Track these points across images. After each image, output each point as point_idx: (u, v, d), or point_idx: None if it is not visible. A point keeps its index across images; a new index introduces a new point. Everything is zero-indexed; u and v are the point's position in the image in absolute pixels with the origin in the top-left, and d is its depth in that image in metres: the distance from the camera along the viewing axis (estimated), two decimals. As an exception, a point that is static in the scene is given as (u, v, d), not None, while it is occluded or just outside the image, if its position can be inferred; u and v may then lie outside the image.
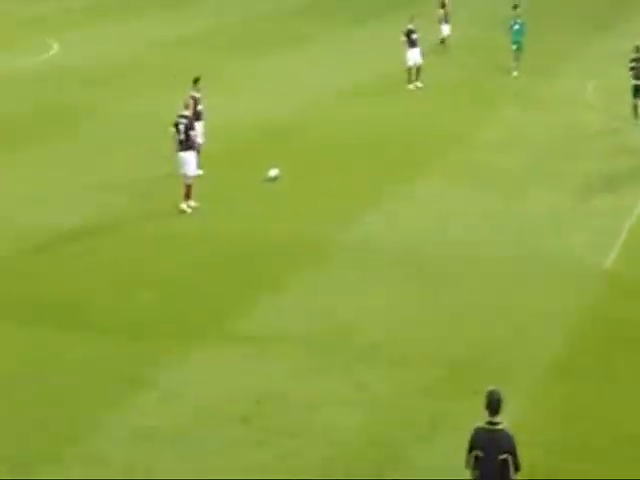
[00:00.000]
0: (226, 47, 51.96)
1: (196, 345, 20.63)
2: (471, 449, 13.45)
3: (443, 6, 49.01)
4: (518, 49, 44.16)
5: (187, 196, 27.63)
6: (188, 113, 28.15)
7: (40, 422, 17.81)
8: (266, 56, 49.47)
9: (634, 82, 36.26)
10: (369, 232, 26.97)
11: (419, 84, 41.88)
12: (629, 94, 37.13)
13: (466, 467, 13.55)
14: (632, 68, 36.48)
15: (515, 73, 44.12)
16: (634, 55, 37.09)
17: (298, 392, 18.92)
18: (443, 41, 49.56)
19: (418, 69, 41.93)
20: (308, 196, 29.43)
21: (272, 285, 23.79)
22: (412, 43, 41.70)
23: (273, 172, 30.41)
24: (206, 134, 30.97)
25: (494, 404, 13.29)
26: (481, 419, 13.40)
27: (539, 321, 21.89)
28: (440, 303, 22.82)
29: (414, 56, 41.78)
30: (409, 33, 41.77)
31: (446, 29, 48.06)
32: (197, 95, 30.43)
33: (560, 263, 25.08)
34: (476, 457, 13.40)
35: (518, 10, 45.20)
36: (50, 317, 22.09)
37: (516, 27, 44.16)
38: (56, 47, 51.33)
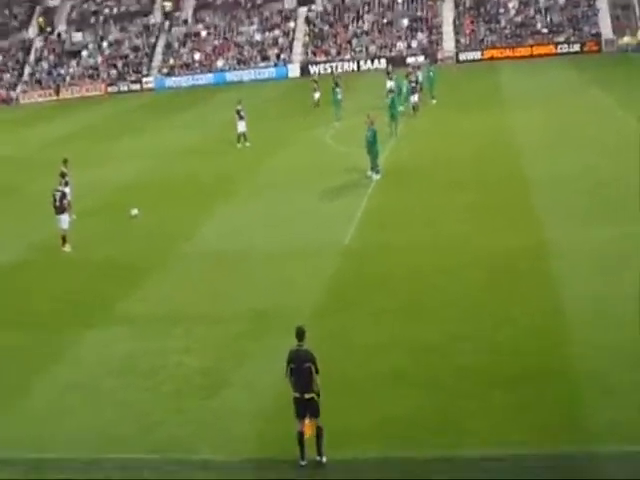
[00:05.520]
0: (93, 137, 52.45)
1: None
2: (288, 363, 13.89)
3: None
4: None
5: (64, 242, 27.50)
6: (61, 188, 28.04)
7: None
8: (118, 140, 49.84)
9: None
10: (199, 244, 27.03)
11: (247, 144, 42.35)
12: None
13: (285, 376, 13.95)
14: None
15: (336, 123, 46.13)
16: None
17: (164, 346, 19.16)
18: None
19: (245, 134, 42.57)
20: (160, 224, 29.49)
21: (142, 275, 24.16)
22: (240, 117, 42.49)
23: (134, 211, 30.44)
24: (73, 194, 30.38)
25: (300, 334, 13.94)
26: (292, 344, 13.98)
27: (305, 283, 22.30)
28: (241, 278, 23.06)
29: (242, 126, 42.56)
30: (238, 111, 42.62)
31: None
32: (65, 170, 30.57)
33: (315, 244, 25.48)
34: (291, 368, 13.85)
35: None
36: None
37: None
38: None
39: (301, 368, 13.80)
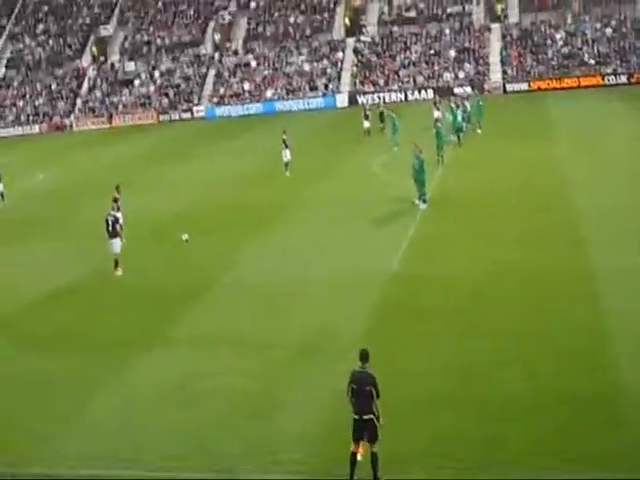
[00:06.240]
0: (144, 163, 53.13)
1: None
2: (349, 383, 14.04)
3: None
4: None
5: (116, 266, 27.85)
6: (113, 213, 28.39)
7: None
8: (169, 167, 50.10)
9: None
10: (249, 271, 27.10)
11: (287, 173, 42.72)
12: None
13: (346, 395, 14.07)
14: None
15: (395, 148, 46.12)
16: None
17: (216, 369, 19.35)
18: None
19: (288, 163, 43.10)
20: (209, 251, 29.64)
21: (192, 301, 24.34)
22: (286, 146, 43.09)
23: (184, 236, 30.52)
24: (125, 219, 29.88)
25: (364, 356, 14.12)
26: (355, 366, 14.13)
27: (355, 309, 22.35)
28: (291, 305, 23.27)
29: (286, 154, 43.08)
30: (284, 140, 43.34)
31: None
32: (117, 196, 30.44)
33: (363, 271, 25.51)
34: (352, 389, 13.96)
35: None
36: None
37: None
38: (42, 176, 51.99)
39: (362, 390, 13.91)
